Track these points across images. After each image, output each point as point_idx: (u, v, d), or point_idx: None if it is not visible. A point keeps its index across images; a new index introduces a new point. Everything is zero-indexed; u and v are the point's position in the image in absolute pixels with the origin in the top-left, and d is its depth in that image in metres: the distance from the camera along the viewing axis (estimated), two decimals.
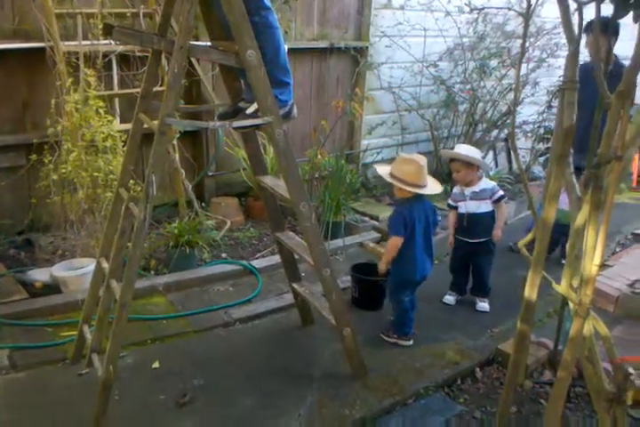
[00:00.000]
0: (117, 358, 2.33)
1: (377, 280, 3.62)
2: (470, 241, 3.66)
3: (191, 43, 2.12)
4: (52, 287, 3.39)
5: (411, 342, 3.28)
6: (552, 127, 6.48)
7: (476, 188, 3.61)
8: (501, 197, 3.64)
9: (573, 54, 2.15)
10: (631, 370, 2.04)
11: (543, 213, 2.18)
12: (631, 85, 1.75)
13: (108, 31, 2.11)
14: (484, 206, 3.61)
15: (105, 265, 2.58)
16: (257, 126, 2.40)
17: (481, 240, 3.65)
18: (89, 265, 3.36)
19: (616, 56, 3.95)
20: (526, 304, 2.36)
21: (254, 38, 2.20)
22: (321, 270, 2.68)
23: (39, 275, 3.45)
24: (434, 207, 3.27)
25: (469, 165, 3.56)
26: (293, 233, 3.12)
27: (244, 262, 3.95)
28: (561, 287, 2.13)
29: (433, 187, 3.12)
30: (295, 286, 3.22)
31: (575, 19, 2.04)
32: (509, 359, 3.05)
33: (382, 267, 3.25)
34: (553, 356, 3.11)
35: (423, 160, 3.07)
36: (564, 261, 4.07)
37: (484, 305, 3.76)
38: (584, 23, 2.21)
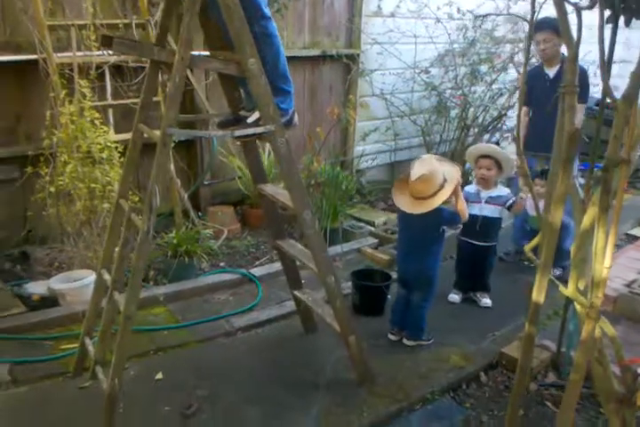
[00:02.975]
0: (122, 371, 2.30)
1: (378, 286, 3.63)
2: (478, 244, 3.71)
3: (191, 53, 2.12)
4: (50, 300, 3.34)
5: (391, 337, 3.35)
6: None
7: (494, 192, 3.64)
8: (513, 203, 3.66)
9: (573, 58, 2.18)
10: None
11: (549, 216, 2.19)
12: (636, 89, 1.76)
13: (106, 42, 2.10)
14: (498, 212, 3.66)
15: (107, 277, 2.56)
16: (259, 135, 2.39)
17: (489, 244, 3.71)
18: (87, 277, 3.33)
19: (564, 57, 3.95)
20: (534, 307, 2.37)
21: (255, 47, 2.20)
22: (325, 278, 2.67)
23: (36, 288, 3.40)
24: (440, 215, 3.08)
25: (499, 166, 3.58)
26: (294, 241, 3.12)
27: (244, 271, 3.93)
28: (568, 290, 2.14)
29: (420, 205, 2.96)
30: (297, 293, 3.20)
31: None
32: (517, 363, 3.06)
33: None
34: (556, 358, 3.12)
35: (418, 172, 2.91)
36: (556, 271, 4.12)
37: (487, 301, 3.82)
38: (583, 28, 2.26)
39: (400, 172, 6.05)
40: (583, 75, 2.77)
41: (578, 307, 2.12)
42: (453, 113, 5.81)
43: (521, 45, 5.66)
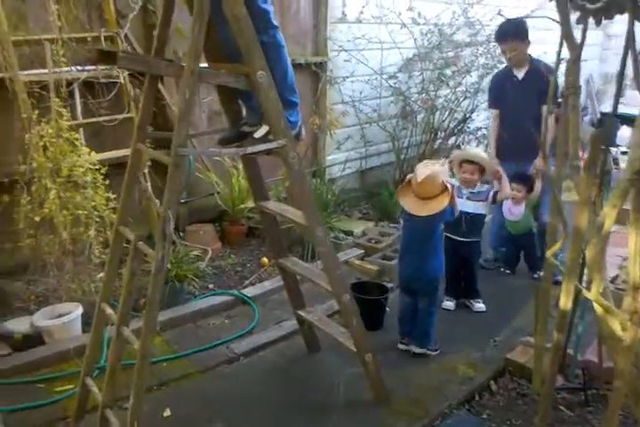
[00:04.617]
0: (141, 414, 2.11)
1: (377, 299, 3.53)
2: (463, 240, 3.70)
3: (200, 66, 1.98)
4: (35, 338, 3.05)
5: (401, 347, 3.33)
6: None
7: (475, 189, 3.67)
8: (495, 194, 3.69)
9: (575, 61, 2.18)
10: None
11: (576, 220, 2.15)
12: None
13: (105, 58, 1.93)
14: (481, 208, 3.67)
15: (109, 311, 2.35)
16: (268, 151, 2.26)
17: (473, 240, 3.72)
18: (74, 311, 3.08)
19: (532, 58, 4.03)
20: (561, 314, 2.34)
21: (264, 59, 2.08)
22: (340, 296, 2.56)
23: (17, 325, 3.09)
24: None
25: (483, 170, 3.60)
26: (296, 258, 2.99)
27: (236, 292, 3.74)
28: (591, 294, 2.11)
29: (426, 205, 2.98)
30: (301, 313, 3.07)
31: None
32: (524, 369, 3.05)
33: None
34: (563, 361, 3.10)
35: (422, 173, 2.93)
36: (536, 276, 4.15)
37: (480, 306, 3.82)
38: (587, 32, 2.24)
39: (370, 179, 6.01)
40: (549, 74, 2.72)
41: (599, 310, 2.09)
42: (420, 117, 5.80)
43: (480, 49, 5.72)
